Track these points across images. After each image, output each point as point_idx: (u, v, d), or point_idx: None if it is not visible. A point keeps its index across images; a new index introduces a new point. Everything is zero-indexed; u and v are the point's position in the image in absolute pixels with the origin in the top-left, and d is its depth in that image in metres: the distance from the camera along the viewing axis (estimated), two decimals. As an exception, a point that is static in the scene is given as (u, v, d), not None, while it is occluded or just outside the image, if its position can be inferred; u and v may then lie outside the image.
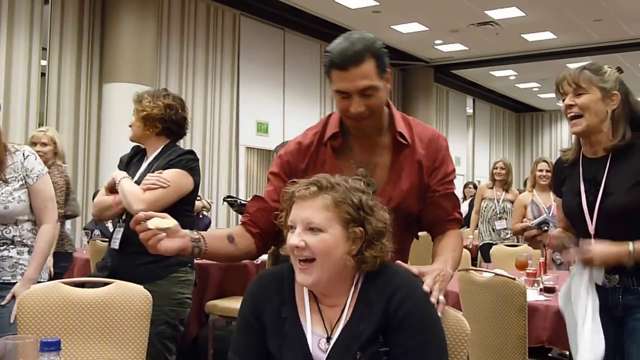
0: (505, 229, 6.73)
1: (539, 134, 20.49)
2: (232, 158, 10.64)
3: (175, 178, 2.93)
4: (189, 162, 3.02)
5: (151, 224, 1.76)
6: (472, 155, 18.02)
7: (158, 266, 2.92)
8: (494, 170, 6.87)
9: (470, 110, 17.89)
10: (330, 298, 1.67)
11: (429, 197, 2.02)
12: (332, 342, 1.63)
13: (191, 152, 3.08)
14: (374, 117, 1.92)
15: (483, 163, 17.85)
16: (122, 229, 2.94)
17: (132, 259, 2.89)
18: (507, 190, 6.82)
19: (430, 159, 2.02)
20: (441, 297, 1.67)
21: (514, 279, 2.98)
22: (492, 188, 6.92)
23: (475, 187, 10.44)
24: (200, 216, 6.96)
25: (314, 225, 1.60)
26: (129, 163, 3.15)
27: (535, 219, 5.53)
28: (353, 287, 1.66)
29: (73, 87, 8.37)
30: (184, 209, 3.01)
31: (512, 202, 6.64)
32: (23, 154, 2.79)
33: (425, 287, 1.65)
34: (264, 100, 11.19)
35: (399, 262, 1.75)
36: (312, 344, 1.65)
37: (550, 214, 5.61)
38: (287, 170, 2.03)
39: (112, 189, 2.97)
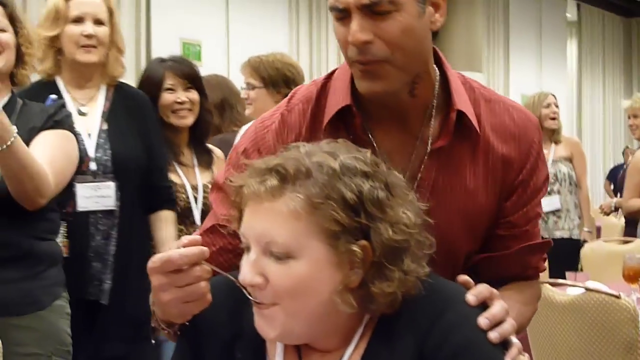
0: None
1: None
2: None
3: None
4: None
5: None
6: (576, 87, 12.38)
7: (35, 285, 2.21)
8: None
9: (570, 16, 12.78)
10: (319, 342, 1.14)
11: (498, 233, 1.36)
12: None
13: None
14: (399, 70, 1.21)
15: (595, 97, 12.38)
16: None
17: None
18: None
19: (513, 164, 1.33)
20: (514, 338, 1.13)
21: (618, 296, 2.48)
22: None
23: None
24: None
25: (276, 247, 1.05)
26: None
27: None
28: (364, 324, 1.13)
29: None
30: None
31: None
32: None
33: (482, 320, 1.07)
34: (195, 9, 7.04)
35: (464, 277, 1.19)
36: None
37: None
38: None
39: None
